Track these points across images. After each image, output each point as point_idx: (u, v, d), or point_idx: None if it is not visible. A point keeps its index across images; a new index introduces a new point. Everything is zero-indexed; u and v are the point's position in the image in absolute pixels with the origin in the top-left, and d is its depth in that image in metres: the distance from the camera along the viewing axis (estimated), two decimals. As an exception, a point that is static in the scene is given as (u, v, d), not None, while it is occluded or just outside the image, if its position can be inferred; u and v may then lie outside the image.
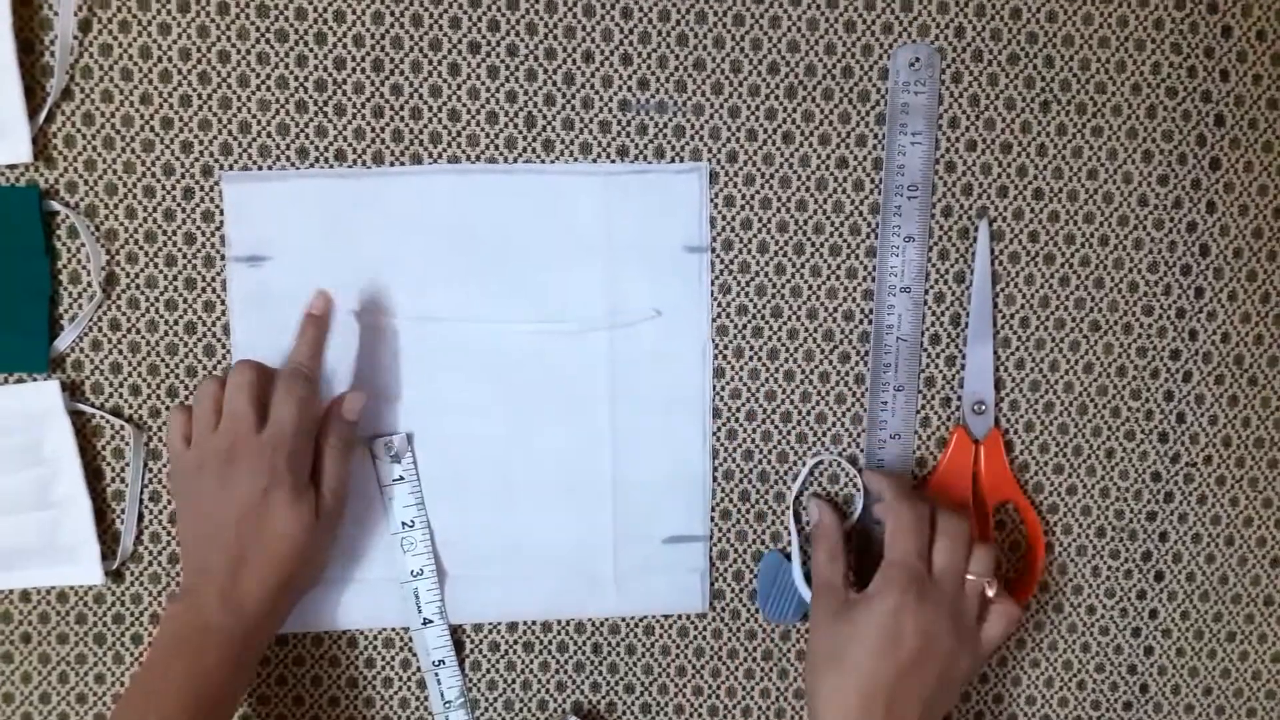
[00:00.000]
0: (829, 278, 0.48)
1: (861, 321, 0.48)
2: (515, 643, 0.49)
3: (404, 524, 0.47)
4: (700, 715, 0.50)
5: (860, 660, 0.42)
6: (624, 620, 0.49)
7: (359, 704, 0.48)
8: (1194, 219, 0.49)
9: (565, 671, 0.49)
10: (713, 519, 0.49)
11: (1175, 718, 0.51)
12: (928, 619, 0.42)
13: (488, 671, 0.49)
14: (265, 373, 0.43)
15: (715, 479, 0.48)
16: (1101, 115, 0.48)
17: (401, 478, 0.47)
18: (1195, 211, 0.49)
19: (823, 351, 0.48)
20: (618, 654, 0.49)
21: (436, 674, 0.48)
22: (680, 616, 0.49)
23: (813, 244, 0.48)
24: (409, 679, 0.48)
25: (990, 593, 0.43)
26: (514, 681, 0.49)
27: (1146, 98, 0.48)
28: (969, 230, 0.48)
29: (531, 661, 0.49)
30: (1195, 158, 0.49)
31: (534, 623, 0.49)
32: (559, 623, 0.49)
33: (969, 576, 0.43)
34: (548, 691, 0.49)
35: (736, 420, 0.48)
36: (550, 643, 0.49)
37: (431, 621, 0.47)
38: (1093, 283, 0.49)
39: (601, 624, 0.49)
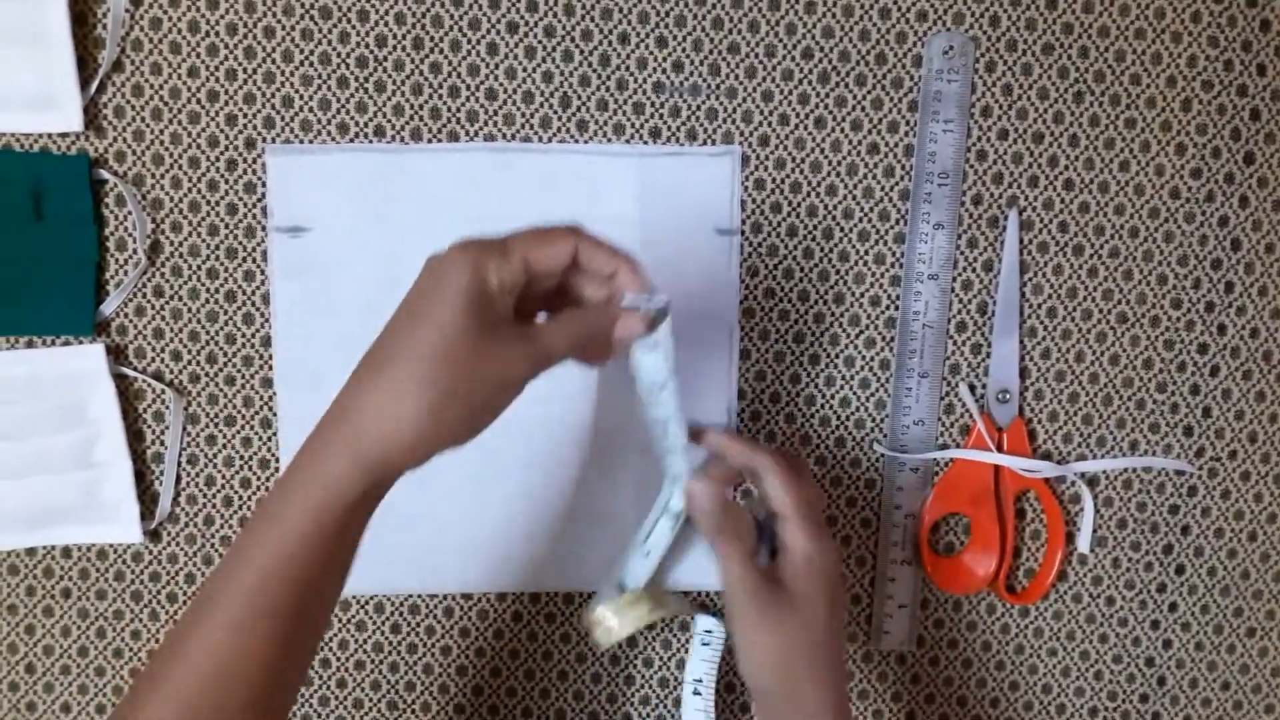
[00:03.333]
0: (857, 263, 0.48)
1: (888, 307, 0.49)
2: (538, 613, 0.50)
3: (651, 388, 0.41)
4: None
5: (818, 629, 0.40)
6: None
7: (571, 659, 0.49)
8: (1226, 213, 0.49)
9: (585, 644, 0.50)
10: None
11: (1192, 711, 0.51)
12: (836, 543, 0.42)
13: (509, 641, 0.50)
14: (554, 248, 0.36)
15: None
16: (1135, 107, 0.48)
17: (656, 344, 0.39)
18: (1228, 205, 0.49)
19: (848, 336, 0.49)
20: (638, 631, 0.50)
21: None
22: (700, 594, 0.50)
23: (841, 229, 0.48)
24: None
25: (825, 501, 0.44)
26: (535, 652, 0.50)
27: (1182, 90, 0.48)
28: (998, 219, 0.48)
29: (553, 632, 0.50)
30: (1229, 151, 0.49)
31: (555, 594, 0.50)
32: (580, 594, 0.50)
33: None
34: (568, 663, 0.50)
35: (761, 403, 0.49)
36: (572, 615, 0.50)
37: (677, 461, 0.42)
38: (1121, 274, 0.49)
39: (622, 598, 0.50)
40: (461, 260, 0.34)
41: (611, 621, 0.44)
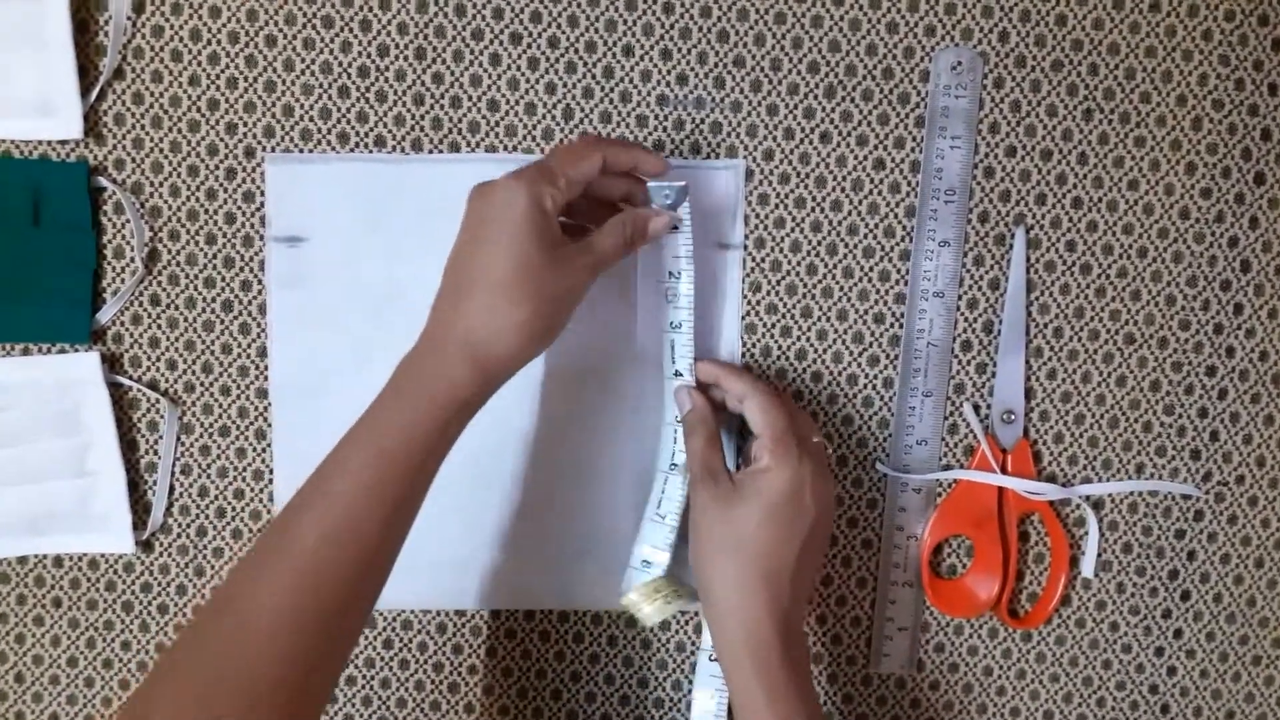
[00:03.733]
0: (861, 279, 0.48)
1: (892, 325, 0.48)
2: (531, 631, 0.49)
3: (670, 274, 0.45)
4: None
5: (764, 539, 0.41)
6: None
7: (565, 678, 0.49)
8: (1236, 234, 0.48)
9: (580, 663, 0.49)
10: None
11: (1197, 740, 0.51)
12: (821, 488, 0.42)
13: (503, 659, 0.49)
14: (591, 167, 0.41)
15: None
16: (1145, 125, 0.48)
17: (675, 227, 0.44)
18: (1237, 226, 0.48)
19: (851, 354, 0.48)
20: (633, 648, 0.49)
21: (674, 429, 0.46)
22: (695, 614, 0.49)
23: (846, 245, 0.48)
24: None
25: (830, 451, 0.45)
26: (528, 670, 0.49)
27: (1192, 109, 0.48)
28: (1005, 237, 0.48)
29: (547, 651, 0.49)
30: (1240, 171, 0.48)
31: (550, 612, 0.49)
32: (575, 613, 0.49)
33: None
34: (562, 681, 0.49)
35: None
36: (566, 633, 0.49)
37: (681, 374, 0.45)
38: (1129, 295, 0.48)
39: (619, 616, 0.49)
40: (518, 189, 0.39)
41: (645, 609, 0.45)
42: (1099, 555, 0.49)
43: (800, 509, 0.41)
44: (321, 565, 0.37)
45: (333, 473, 0.39)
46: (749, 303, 0.48)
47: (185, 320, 0.47)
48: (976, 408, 0.48)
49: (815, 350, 0.48)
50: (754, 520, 0.41)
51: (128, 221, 0.46)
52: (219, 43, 0.46)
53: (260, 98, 0.46)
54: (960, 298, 0.48)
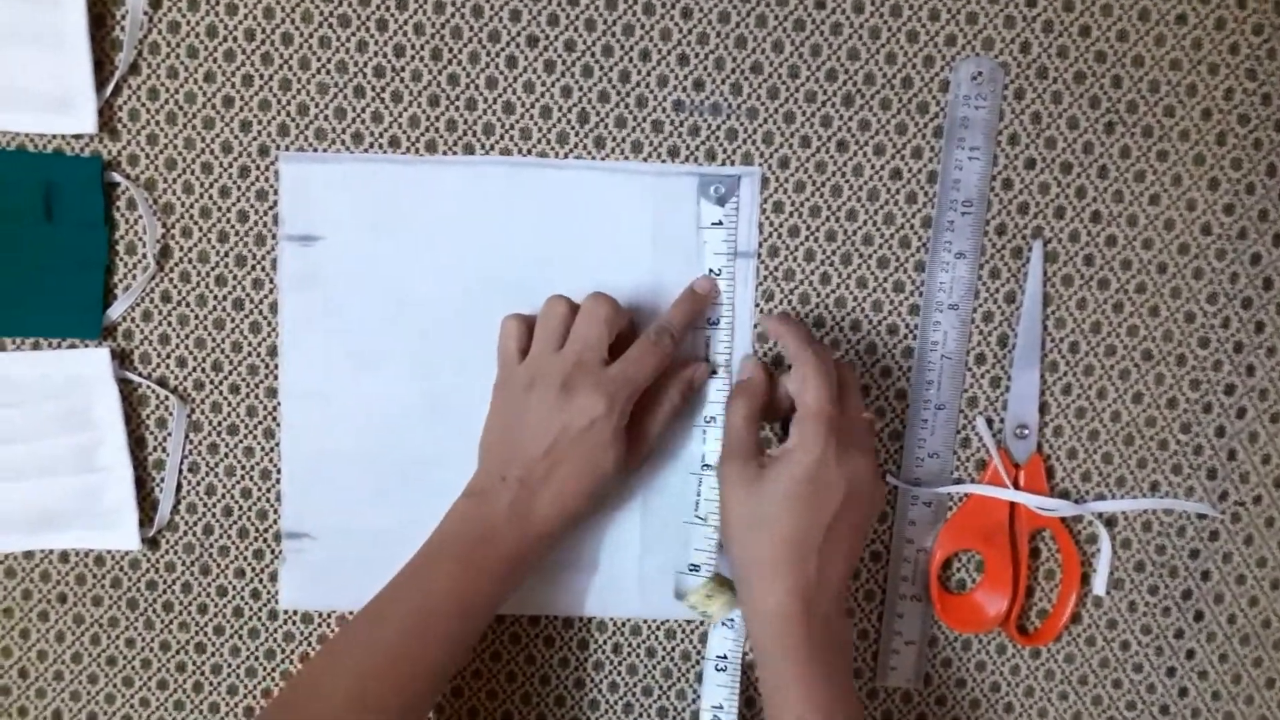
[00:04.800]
0: (875, 290, 0.47)
1: (906, 337, 0.48)
2: (536, 636, 0.49)
3: (711, 270, 0.46)
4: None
5: (787, 520, 0.41)
6: (645, 622, 0.49)
7: (569, 685, 0.49)
8: (1259, 250, 0.48)
9: (584, 669, 0.49)
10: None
11: (1207, 763, 0.50)
12: (851, 466, 0.41)
13: (507, 663, 0.49)
14: (622, 312, 0.44)
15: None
16: (1168, 139, 0.47)
17: (720, 222, 0.45)
18: (1260, 243, 0.47)
19: (864, 365, 0.48)
20: (637, 655, 0.49)
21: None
22: (701, 623, 0.49)
23: (861, 255, 0.47)
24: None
25: (871, 416, 0.44)
26: (533, 675, 0.49)
27: (1217, 124, 0.47)
28: (1022, 250, 0.47)
29: (551, 656, 0.49)
30: (1264, 188, 0.47)
31: (556, 618, 0.49)
32: (580, 620, 0.49)
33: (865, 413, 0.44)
34: (566, 688, 0.49)
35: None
36: (571, 639, 0.49)
37: (716, 372, 0.46)
38: (1148, 311, 0.48)
39: (624, 624, 0.49)
40: (605, 425, 0.42)
41: (708, 608, 0.45)
42: (1111, 573, 0.48)
43: (823, 488, 0.41)
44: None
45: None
46: (762, 311, 0.47)
47: (196, 318, 0.47)
48: (989, 422, 0.48)
49: (828, 360, 0.48)
50: (775, 499, 0.41)
51: (140, 218, 0.46)
52: (235, 40, 0.46)
53: (275, 96, 0.46)
54: (975, 310, 0.47)
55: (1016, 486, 0.48)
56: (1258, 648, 0.49)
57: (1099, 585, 0.48)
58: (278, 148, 0.46)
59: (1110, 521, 0.48)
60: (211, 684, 0.48)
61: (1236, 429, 0.48)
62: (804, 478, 0.41)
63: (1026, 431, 0.48)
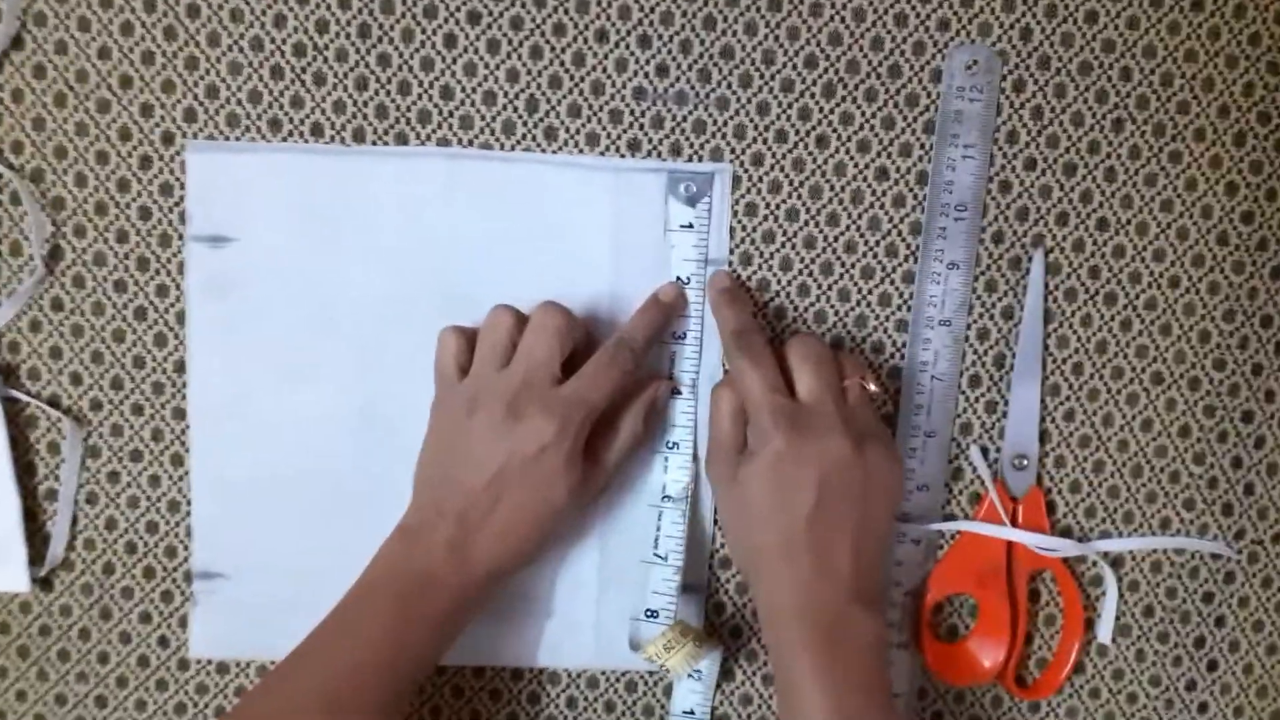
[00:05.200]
0: (859, 304, 0.44)
1: (893, 355, 0.44)
2: (481, 689, 0.44)
3: (678, 278, 0.43)
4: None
5: (763, 520, 0.39)
6: (603, 673, 0.44)
7: None
8: (1280, 263, 0.44)
9: (533, 725, 0.44)
10: (710, 568, 0.44)
11: (1220, 827, 0.46)
12: (815, 452, 0.38)
13: (448, 718, 0.44)
14: (576, 324, 0.41)
15: (717, 523, 0.44)
16: (1182, 139, 0.43)
17: (691, 225, 0.43)
18: (1282, 255, 0.44)
19: (846, 386, 0.44)
20: (594, 711, 0.45)
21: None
22: (666, 673, 0.44)
23: (843, 264, 0.43)
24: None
25: (873, 389, 0.41)
26: (475, 732, 0.44)
27: (1235, 122, 0.43)
28: (1021, 260, 0.44)
29: (498, 712, 0.44)
30: (1286, 194, 0.44)
31: (503, 669, 0.44)
32: (530, 671, 0.44)
33: (845, 383, 0.40)
34: (512, 746, 0.44)
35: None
36: (520, 692, 0.44)
37: (680, 393, 0.43)
38: (1158, 329, 0.44)
39: (579, 675, 0.44)
40: (569, 459, 0.39)
41: (667, 660, 0.42)
42: (1117, 619, 0.45)
43: (787, 483, 0.38)
44: None
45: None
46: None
47: (92, 328, 0.43)
48: (985, 451, 0.44)
49: (806, 381, 0.44)
50: (748, 501, 0.39)
51: (25, 214, 0.42)
52: (133, 10, 0.41)
53: (180, 75, 0.42)
54: (969, 327, 0.44)
55: (1014, 523, 0.44)
56: (1276, 700, 0.46)
57: (1104, 632, 0.45)
58: (184, 135, 0.42)
59: (1116, 562, 0.45)
60: (108, 743, 0.44)
61: (1254, 460, 0.45)
62: (765, 482, 0.39)
63: (1025, 462, 0.44)
